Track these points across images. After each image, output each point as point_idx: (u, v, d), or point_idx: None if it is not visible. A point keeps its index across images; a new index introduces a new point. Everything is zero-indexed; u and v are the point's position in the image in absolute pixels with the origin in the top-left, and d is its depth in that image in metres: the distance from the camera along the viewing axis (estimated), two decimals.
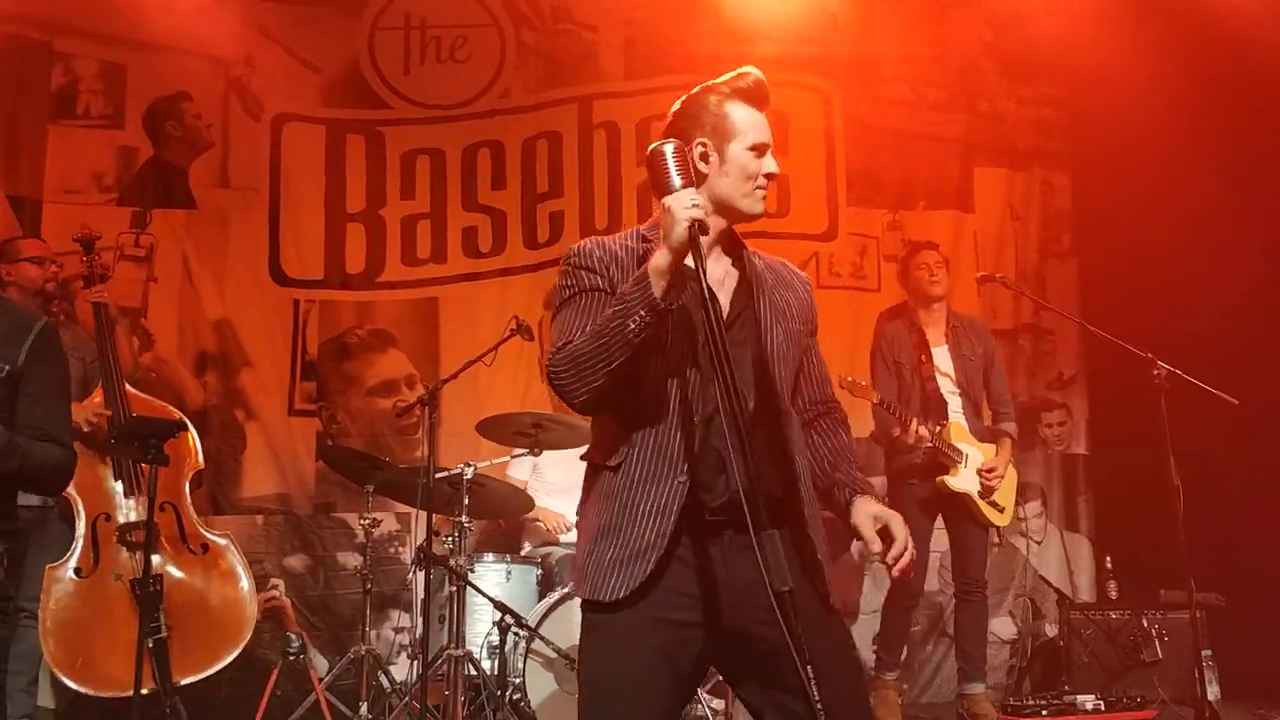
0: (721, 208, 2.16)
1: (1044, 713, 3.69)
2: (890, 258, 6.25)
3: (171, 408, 4.33)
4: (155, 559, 3.67)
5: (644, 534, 2.00)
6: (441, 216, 5.89)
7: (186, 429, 4.04)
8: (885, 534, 2.02)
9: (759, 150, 2.14)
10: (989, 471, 4.42)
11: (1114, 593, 5.51)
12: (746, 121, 2.14)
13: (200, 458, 4.24)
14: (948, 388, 4.54)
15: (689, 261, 1.95)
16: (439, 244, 5.87)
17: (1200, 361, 4.39)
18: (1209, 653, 4.65)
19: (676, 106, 2.22)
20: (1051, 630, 5.72)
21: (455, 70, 5.98)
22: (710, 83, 2.20)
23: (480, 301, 5.80)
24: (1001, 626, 5.85)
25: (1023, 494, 6.11)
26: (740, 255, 2.22)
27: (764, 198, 2.17)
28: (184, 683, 3.79)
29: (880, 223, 6.29)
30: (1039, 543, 6.09)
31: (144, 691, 3.33)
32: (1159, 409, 4.31)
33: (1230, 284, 4.95)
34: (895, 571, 1.99)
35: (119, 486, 3.95)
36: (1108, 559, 5.71)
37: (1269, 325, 4.79)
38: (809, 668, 1.77)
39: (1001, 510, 4.52)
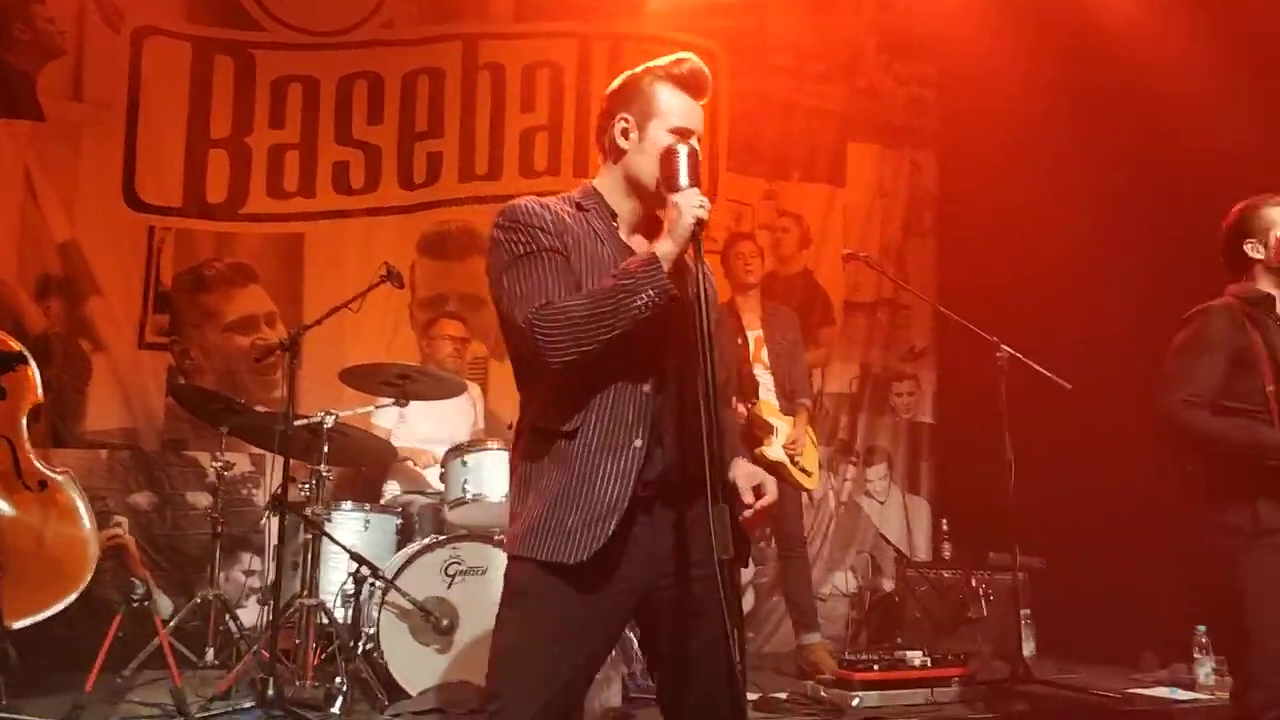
0: (634, 185, 2.20)
1: (875, 667, 3.91)
2: (764, 227, 6.39)
3: (9, 337, 4.09)
4: None
5: (604, 498, 2.07)
6: (312, 149, 5.68)
7: (26, 362, 3.84)
8: (759, 490, 2.11)
9: (680, 134, 2.16)
10: (791, 444, 4.77)
11: (948, 553, 5.87)
12: (673, 104, 2.18)
13: (40, 391, 4.04)
14: (759, 368, 4.87)
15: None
16: (307, 177, 5.67)
17: (1042, 347, 4.66)
18: (1028, 612, 5.06)
19: (615, 84, 2.24)
20: (889, 586, 6.05)
21: None
22: (649, 64, 2.23)
23: (348, 240, 5.65)
24: (843, 581, 6.17)
25: (870, 457, 6.44)
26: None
27: None
28: (17, 625, 3.64)
29: (757, 191, 6.41)
30: (882, 503, 6.43)
31: None
32: (999, 388, 4.60)
33: (1079, 277, 5.23)
34: (749, 514, 2.09)
35: None
36: (944, 521, 6.07)
37: (1106, 315, 5.09)
38: (735, 631, 1.89)
39: (809, 474, 4.89)
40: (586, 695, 3.43)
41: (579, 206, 2.20)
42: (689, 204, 2.05)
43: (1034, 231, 5.58)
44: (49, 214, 5.21)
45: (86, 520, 4.00)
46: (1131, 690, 4.36)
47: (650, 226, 2.25)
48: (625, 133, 2.19)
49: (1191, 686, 4.28)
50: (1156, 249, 4.92)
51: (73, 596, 3.83)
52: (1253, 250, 3.11)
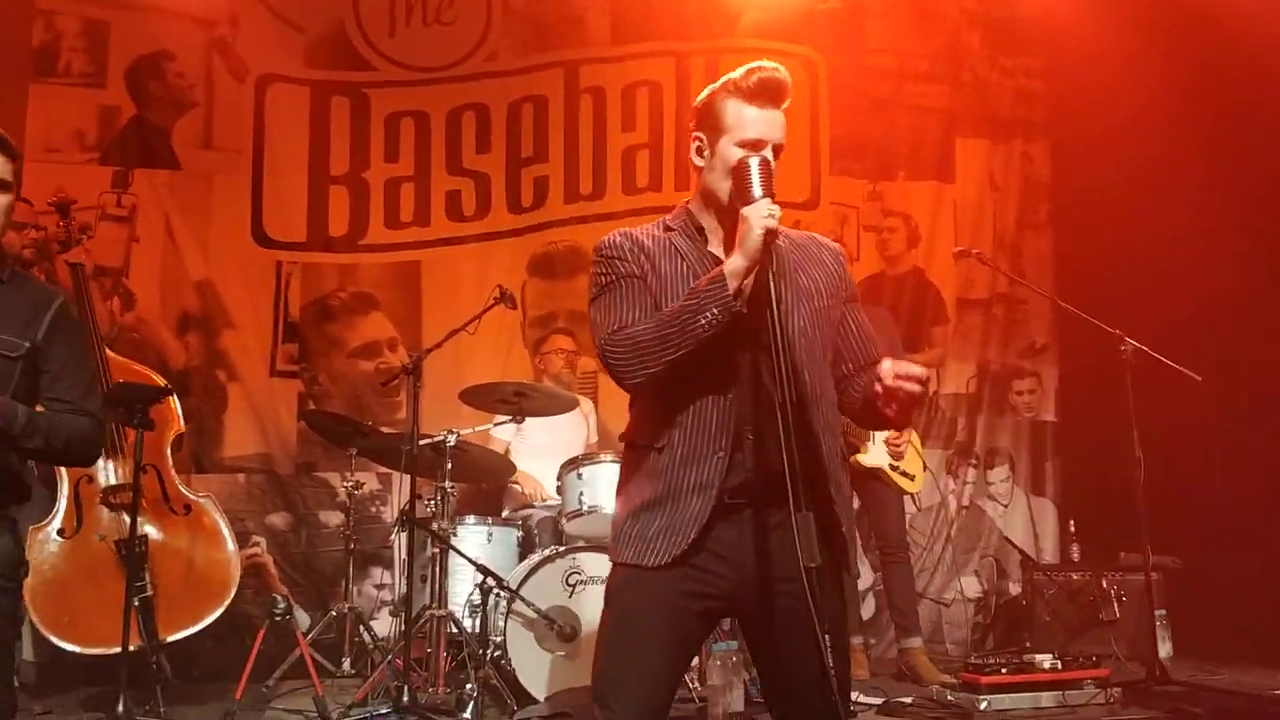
0: (710, 201, 2.25)
1: (1003, 671, 3.82)
2: (870, 228, 6.35)
3: (153, 373, 4.38)
4: (139, 520, 3.75)
5: (689, 506, 2.13)
6: (425, 179, 5.89)
7: (170, 394, 4.10)
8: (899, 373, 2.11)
9: (751, 146, 2.18)
10: (894, 440, 4.72)
11: (1076, 555, 5.68)
12: (741, 117, 2.20)
13: (182, 421, 4.30)
14: None
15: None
16: (422, 207, 5.89)
17: (1168, 337, 4.51)
18: (1163, 612, 4.86)
19: (696, 103, 2.29)
20: (1015, 590, 5.90)
21: (441, 33, 5.96)
22: (725, 77, 2.26)
23: (462, 265, 5.84)
24: (968, 585, 6.03)
25: (991, 459, 6.29)
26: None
27: None
28: (169, 640, 3.87)
29: (861, 193, 6.36)
30: (1005, 506, 6.26)
31: (130, 648, 3.42)
32: (1124, 383, 4.46)
33: (1201, 263, 5.04)
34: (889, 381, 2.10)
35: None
36: (1071, 522, 5.88)
37: (1237, 306, 4.90)
38: (826, 637, 1.90)
39: (912, 478, 4.84)
40: (712, 700, 3.50)
41: (667, 228, 2.27)
42: (758, 215, 2.05)
43: (1153, 217, 5.40)
44: (186, 255, 5.55)
45: (229, 541, 4.25)
46: (1276, 691, 4.15)
47: (720, 230, 2.27)
48: (700, 151, 2.25)
49: None
50: None
51: (219, 612, 4.05)
52: None
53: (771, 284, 2.04)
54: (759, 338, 2.12)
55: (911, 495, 5.02)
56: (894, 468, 4.77)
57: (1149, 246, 5.37)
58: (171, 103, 5.62)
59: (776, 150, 2.21)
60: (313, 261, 5.76)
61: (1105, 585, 5.08)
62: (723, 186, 2.20)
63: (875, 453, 4.74)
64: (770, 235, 2.05)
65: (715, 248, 2.26)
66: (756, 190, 2.09)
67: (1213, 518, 4.93)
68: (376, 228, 5.83)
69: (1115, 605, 5.02)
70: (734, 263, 2.07)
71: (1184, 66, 5.27)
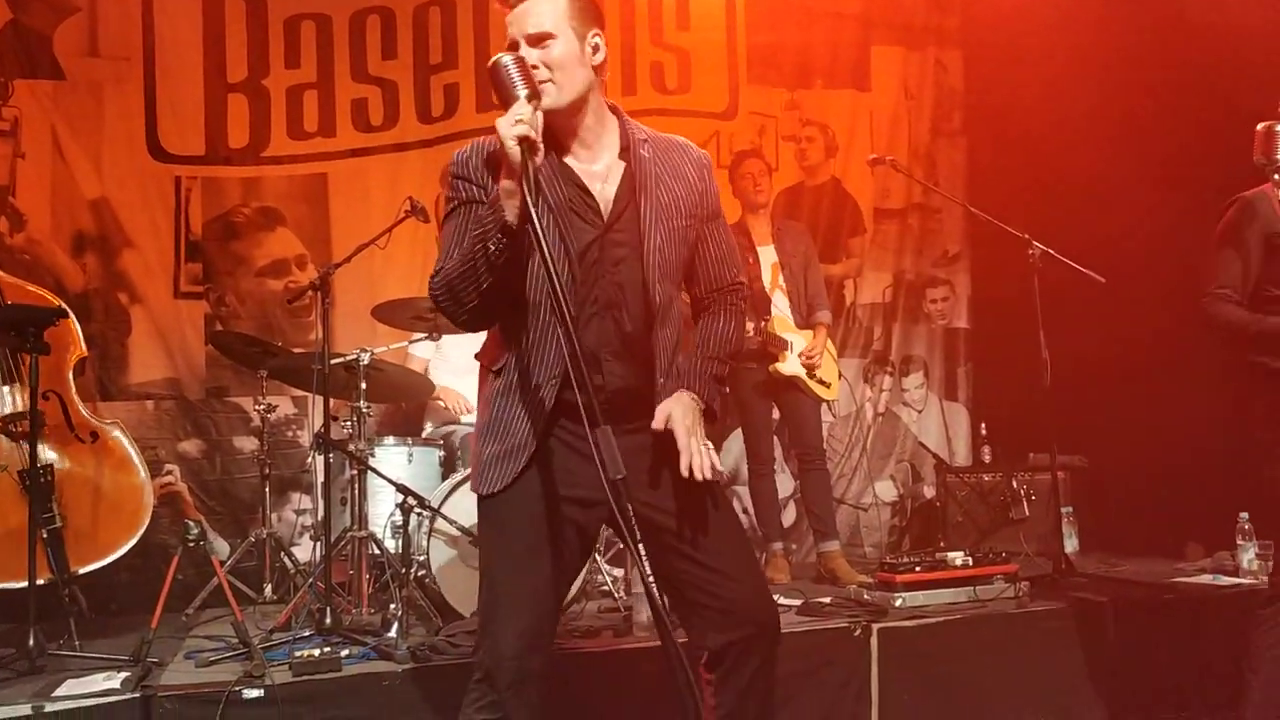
0: (595, 97, 2.21)
1: (917, 569, 3.94)
2: (788, 138, 6.32)
3: (49, 294, 4.17)
4: (41, 449, 3.61)
5: (519, 432, 2.16)
6: (329, 87, 5.66)
7: (67, 316, 3.91)
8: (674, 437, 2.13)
9: (510, 50, 2.12)
10: (808, 355, 4.82)
11: (988, 457, 5.88)
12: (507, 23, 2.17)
13: (83, 345, 4.12)
14: (771, 282, 4.90)
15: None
16: (327, 117, 5.67)
17: (1075, 243, 4.59)
18: (1069, 509, 5.08)
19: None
20: (930, 493, 6.09)
21: None
22: None
23: (371, 177, 5.66)
24: (884, 490, 6.21)
25: (906, 366, 6.43)
26: (629, 146, 2.24)
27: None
28: (82, 571, 3.78)
29: (779, 102, 6.31)
30: (920, 412, 6.43)
31: (40, 581, 3.32)
32: (1032, 286, 4.55)
33: (1107, 169, 5.10)
34: (684, 469, 2.10)
35: None
36: (983, 426, 6.07)
37: (1141, 211, 4.99)
38: (640, 548, 1.90)
39: (828, 386, 4.95)
40: (637, 608, 3.55)
41: None
42: (506, 126, 1.97)
43: (1064, 126, 5.45)
44: (78, 171, 5.27)
45: (140, 469, 4.13)
46: (1175, 579, 4.38)
47: (577, 136, 2.22)
48: (596, 49, 2.22)
49: (1235, 572, 4.30)
50: (1190, 139, 4.78)
51: (132, 542, 3.96)
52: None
53: (528, 194, 1.95)
54: (596, 259, 2.14)
55: (828, 403, 5.10)
56: (811, 376, 4.83)
57: (1059, 155, 5.42)
58: (50, 6, 5.26)
59: (535, 39, 2.13)
60: (213, 175, 5.51)
61: (1015, 485, 5.28)
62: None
63: (792, 362, 4.81)
64: (523, 141, 1.96)
65: (580, 155, 2.22)
66: (518, 91, 2.00)
67: (1117, 417, 5.11)
68: (280, 138, 5.60)
69: (1025, 504, 5.23)
70: (505, 182, 2.00)
71: None
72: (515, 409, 2.16)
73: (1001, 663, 3.70)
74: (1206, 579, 4.33)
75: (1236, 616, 3.10)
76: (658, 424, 2.12)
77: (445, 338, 4.58)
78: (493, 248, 2.02)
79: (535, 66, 2.09)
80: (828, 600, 4.02)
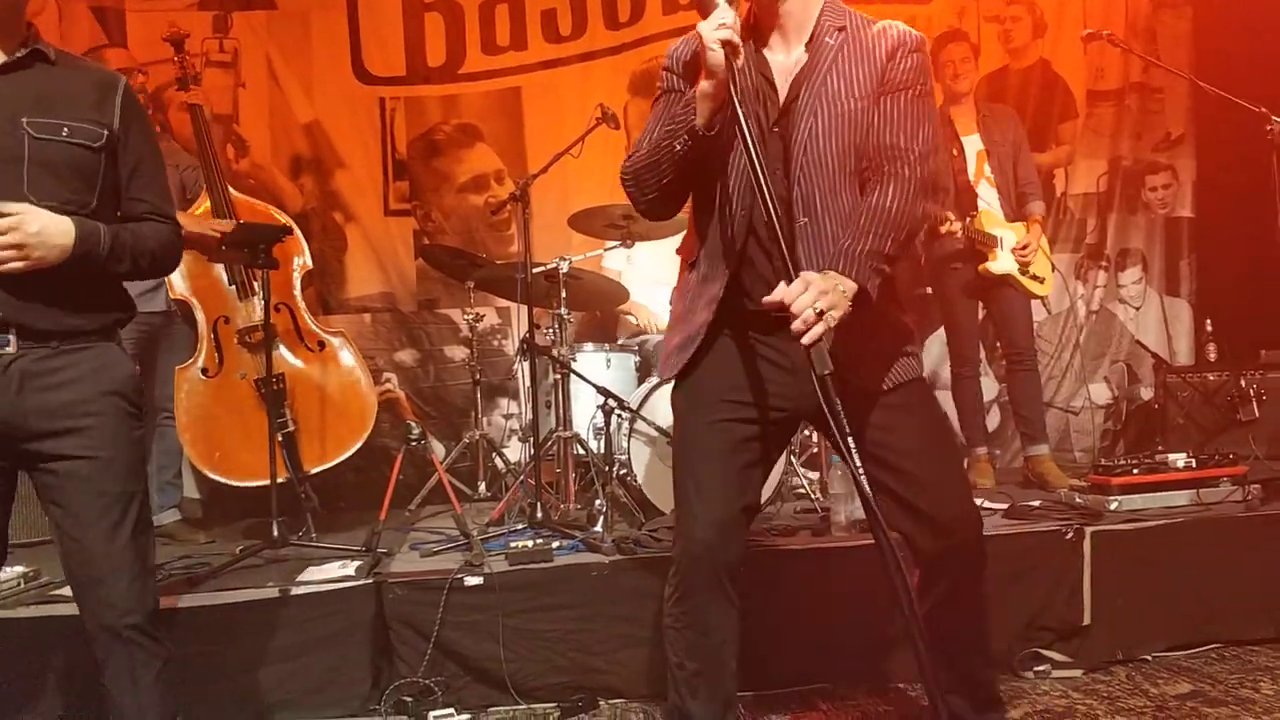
0: None
1: (1134, 471, 3.73)
2: (991, 19, 5.94)
3: (277, 211, 4.47)
4: (276, 357, 3.90)
5: (694, 324, 2.21)
6: (520, 0, 5.73)
7: (292, 232, 4.17)
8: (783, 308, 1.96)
9: None
10: (1022, 249, 4.56)
11: (1213, 355, 5.45)
12: None
13: (308, 258, 4.40)
14: (978, 174, 4.64)
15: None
16: (518, 29, 5.75)
17: None
18: None
19: None
20: (1148, 394, 5.74)
21: None
22: None
23: (563, 89, 5.72)
24: (1097, 392, 5.90)
25: (1123, 260, 6.02)
26: (816, 35, 2.18)
27: None
28: (314, 471, 4.08)
29: None
30: (1137, 309, 6.02)
31: (279, 480, 3.63)
32: (1270, 165, 4.14)
33: None
34: (795, 327, 1.94)
35: (233, 290, 4.13)
36: (1208, 322, 5.62)
37: None
38: (849, 439, 1.91)
39: (1041, 281, 4.67)
40: (834, 509, 3.56)
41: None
42: (710, 31, 1.98)
43: None
44: (291, 97, 5.59)
45: (363, 376, 4.40)
46: None
47: (778, 26, 2.20)
48: None
49: None
50: None
51: (359, 444, 4.22)
52: None
53: (737, 103, 1.96)
54: (773, 154, 2.12)
55: (1041, 299, 4.85)
56: (1024, 272, 4.60)
57: None
58: None
59: None
60: (415, 95, 5.72)
61: (1244, 384, 4.88)
62: None
63: (1004, 259, 4.57)
64: (729, 46, 1.96)
65: (776, 50, 2.21)
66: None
67: None
68: (474, 54, 5.74)
69: (1255, 405, 4.83)
70: (703, 84, 2.02)
71: None
72: (698, 300, 2.21)
73: (1227, 569, 3.48)
74: None
75: None
76: (776, 297, 1.96)
77: (637, 247, 4.63)
78: (679, 146, 2.07)
79: None
80: (1037, 504, 3.89)
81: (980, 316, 4.82)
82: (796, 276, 1.95)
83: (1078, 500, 3.80)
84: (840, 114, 2.11)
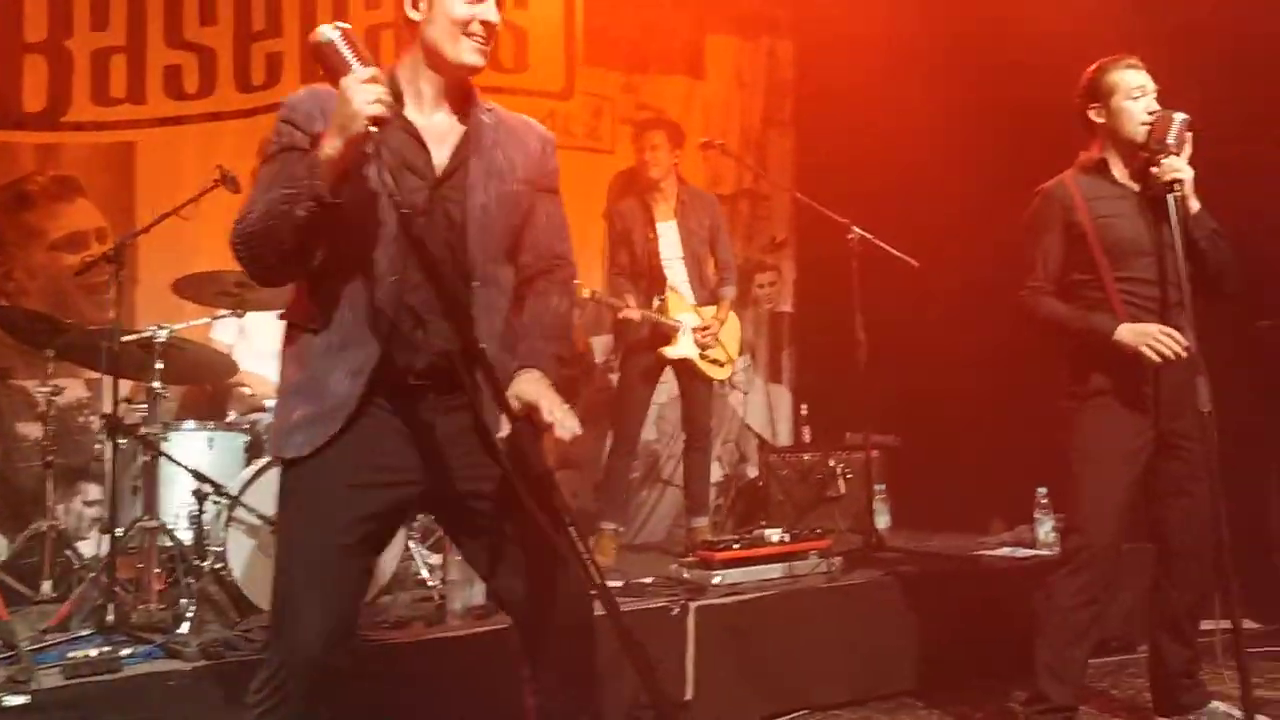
0: (432, 58, 2.10)
1: (735, 546, 4.00)
2: (625, 120, 6.30)
3: None
4: None
5: (335, 393, 2.01)
6: (140, 52, 5.34)
7: None
8: (533, 411, 2.00)
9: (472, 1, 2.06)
10: (702, 330, 4.83)
11: (808, 437, 6.05)
12: None
13: None
14: (671, 259, 4.90)
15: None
16: (136, 82, 5.34)
17: (893, 231, 4.73)
18: (882, 487, 5.27)
19: None
20: (753, 472, 6.21)
21: None
22: None
23: (184, 148, 5.36)
24: (711, 470, 6.28)
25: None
26: (470, 111, 2.16)
27: (478, 49, 2.09)
28: None
29: (615, 84, 6.29)
30: (746, 394, 6.55)
31: None
32: (850, 270, 4.67)
33: (926, 160, 5.24)
34: (558, 434, 1.99)
35: None
36: (803, 406, 6.24)
37: (958, 198, 5.16)
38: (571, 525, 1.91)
39: (721, 365, 5.00)
40: (451, 596, 3.46)
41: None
42: (358, 101, 1.84)
43: (888, 117, 5.59)
44: None
45: None
46: (977, 552, 4.58)
47: (458, 98, 2.15)
48: (415, 4, 2.09)
49: (1032, 545, 4.51)
50: (1010, 133, 4.92)
51: None
52: (1095, 115, 3.16)
53: (382, 168, 1.88)
54: (429, 211, 2.05)
55: (722, 382, 5.16)
56: (703, 356, 4.86)
57: (882, 146, 5.57)
58: None
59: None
60: (5, 140, 5.12)
61: (832, 464, 5.41)
62: (449, 37, 2.05)
63: (684, 344, 4.81)
64: (378, 121, 1.85)
65: (413, 112, 2.11)
66: (355, 63, 1.88)
67: (929, 399, 5.31)
68: (82, 103, 5.26)
69: (841, 482, 5.37)
70: (328, 148, 1.87)
71: None
72: (334, 369, 2.02)
73: (814, 635, 3.78)
74: (1006, 551, 4.55)
75: (1033, 586, 3.24)
76: (516, 406, 1.99)
77: (250, 321, 4.33)
78: (301, 212, 1.88)
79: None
80: (649, 580, 4.02)
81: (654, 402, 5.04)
82: (471, 342, 1.91)
83: (685, 575, 3.97)
84: (507, 193, 2.13)
